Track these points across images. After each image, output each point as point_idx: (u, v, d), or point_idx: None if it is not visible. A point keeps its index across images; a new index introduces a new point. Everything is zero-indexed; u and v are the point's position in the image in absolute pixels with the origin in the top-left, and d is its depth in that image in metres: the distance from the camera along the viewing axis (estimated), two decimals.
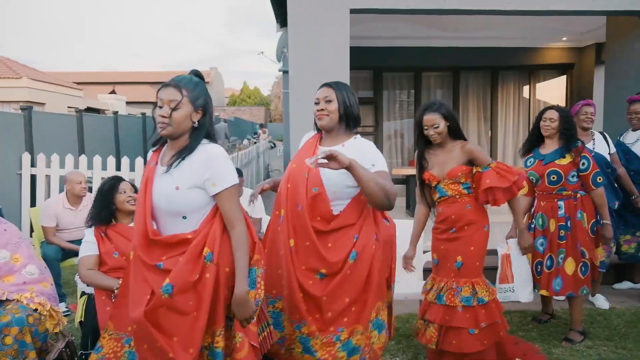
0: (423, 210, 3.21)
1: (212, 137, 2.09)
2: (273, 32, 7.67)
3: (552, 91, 8.84)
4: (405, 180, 7.51)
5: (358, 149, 2.33)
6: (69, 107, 18.08)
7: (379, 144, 8.68)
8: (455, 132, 3.00)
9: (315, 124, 2.51)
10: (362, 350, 2.31)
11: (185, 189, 1.99)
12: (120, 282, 2.89)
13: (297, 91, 4.98)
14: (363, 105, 8.68)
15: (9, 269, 2.93)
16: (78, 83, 24.01)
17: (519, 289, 3.43)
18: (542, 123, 3.59)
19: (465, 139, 3.03)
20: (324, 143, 2.43)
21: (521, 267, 3.44)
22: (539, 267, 3.60)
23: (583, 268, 3.49)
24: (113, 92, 27.50)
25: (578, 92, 8.53)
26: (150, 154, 2.21)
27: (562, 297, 3.66)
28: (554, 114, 3.55)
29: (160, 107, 1.99)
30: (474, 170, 2.97)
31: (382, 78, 8.64)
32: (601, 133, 4.23)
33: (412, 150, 8.71)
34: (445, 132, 2.97)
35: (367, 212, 2.37)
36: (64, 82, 20.82)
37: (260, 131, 20.53)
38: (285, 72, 8.37)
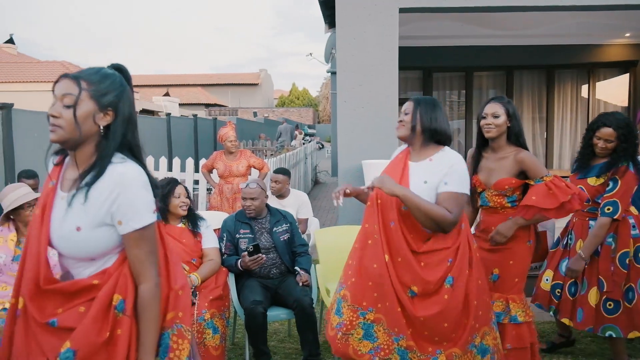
0: (470, 214, 2.96)
1: (134, 150, 1.56)
2: (321, 34, 7.69)
3: (614, 90, 8.41)
4: None
5: (443, 163, 2.30)
6: None
7: None
8: (516, 138, 2.73)
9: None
10: None
11: (89, 229, 1.49)
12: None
13: (345, 92, 4.95)
14: None
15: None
16: (134, 86, 24.86)
17: None
18: (595, 141, 3.03)
19: (525, 147, 2.74)
20: (412, 157, 2.41)
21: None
22: (558, 290, 3.18)
23: (612, 304, 2.99)
24: (167, 94, 28.35)
25: None
26: (50, 167, 1.67)
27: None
28: (610, 133, 2.95)
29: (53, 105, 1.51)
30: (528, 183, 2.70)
31: (432, 78, 8.48)
32: None
33: (464, 152, 8.50)
34: (503, 129, 2.71)
35: (463, 234, 2.33)
36: None
37: (296, 132, 20.68)
38: (334, 73, 8.37)
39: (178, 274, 1.66)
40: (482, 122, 2.75)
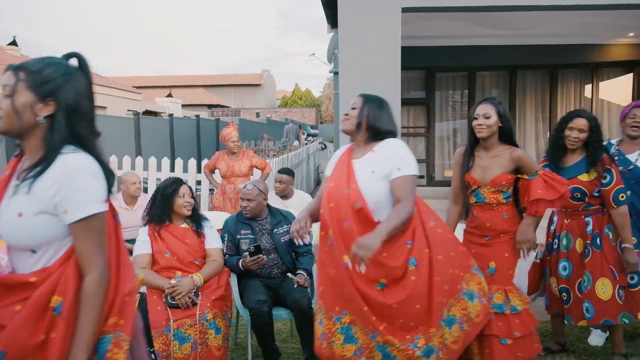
0: (457, 212, 3.03)
1: (84, 141, 1.51)
2: (324, 34, 7.67)
3: (617, 90, 8.39)
4: None
5: (387, 152, 2.36)
6: (128, 110, 18.78)
7: (430, 145, 8.51)
8: (507, 137, 2.82)
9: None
10: (437, 348, 2.31)
11: (30, 215, 1.44)
12: (171, 282, 2.96)
13: (347, 92, 4.94)
14: (415, 106, 8.55)
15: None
16: (137, 87, 24.95)
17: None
18: (568, 132, 3.10)
19: (517, 145, 2.84)
20: (355, 154, 2.46)
21: (521, 271, 3.13)
22: (564, 295, 3.17)
23: (620, 292, 3.05)
24: (170, 95, 28.41)
25: None
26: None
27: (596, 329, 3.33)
28: (583, 123, 3.08)
29: None
30: (520, 178, 2.81)
31: (434, 78, 8.46)
32: None
33: None
34: (495, 129, 2.79)
35: (416, 216, 2.37)
36: (124, 86, 21.68)
37: (299, 132, 20.75)
38: (336, 73, 8.36)
39: (128, 278, 1.56)
40: (474, 122, 2.83)
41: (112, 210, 1.60)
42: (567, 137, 3.11)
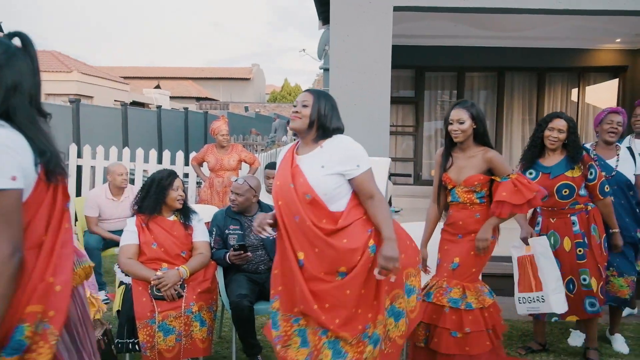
0: (436, 211, 3.13)
1: (19, 119, 1.47)
2: (315, 30, 7.67)
3: (603, 94, 8.50)
4: None
5: (338, 148, 2.31)
6: (115, 100, 18.63)
7: (418, 144, 8.56)
8: (481, 138, 2.92)
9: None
10: (382, 338, 2.30)
11: None
12: (157, 274, 2.96)
13: (337, 89, 4.95)
14: (404, 105, 8.59)
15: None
16: (125, 77, 24.71)
17: (551, 297, 3.05)
18: (547, 133, 3.26)
19: (490, 146, 2.94)
20: (301, 151, 2.40)
21: (550, 272, 3.09)
22: None
23: (602, 287, 3.28)
24: (158, 86, 28.17)
25: (631, 96, 8.16)
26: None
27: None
28: (562, 124, 3.23)
29: None
30: (494, 180, 2.89)
31: (424, 77, 8.50)
32: (629, 149, 3.63)
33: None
34: (469, 132, 2.89)
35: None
36: (111, 76, 21.47)
37: (287, 127, 20.73)
38: (326, 69, 8.36)
39: (62, 269, 1.49)
40: (450, 127, 2.91)
41: (64, 195, 1.55)
42: (547, 137, 3.25)
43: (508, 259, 3.40)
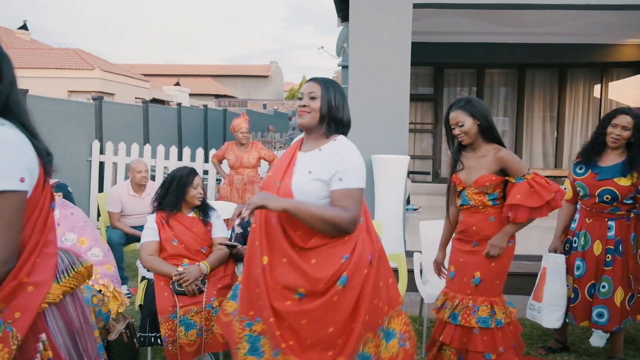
0: (454, 213, 2.92)
1: (14, 112, 1.40)
2: (332, 27, 7.68)
3: (627, 90, 8.35)
4: None
5: (333, 154, 2.03)
6: (136, 97, 18.86)
7: (437, 141, 8.52)
8: (489, 133, 2.68)
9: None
10: None
11: None
12: (179, 270, 3.01)
13: (356, 86, 4.96)
14: (423, 102, 8.55)
15: (76, 251, 3.09)
16: (145, 75, 25.00)
17: (544, 312, 3.10)
18: (610, 129, 3.00)
19: (501, 142, 2.72)
20: (304, 147, 2.14)
21: (554, 289, 3.08)
22: (573, 294, 3.16)
23: (630, 298, 3.08)
24: (177, 84, 28.43)
25: None
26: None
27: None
28: (627, 121, 2.95)
29: None
30: (508, 181, 2.68)
31: (443, 75, 8.46)
32: None
33: None
34: (474, 131, 2.66)
35: (360, 226, 2.05)
36: (132, 73, 21.73)
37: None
38: (345, 67, 8.36)
39: (40, 269, 1.40)
40: (454, 132, 2.72)
41: (50, 195, 1.48)
42: (610, 135, 2.99)
43: (530, 258, 3.39)
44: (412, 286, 3.65)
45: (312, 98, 2.08)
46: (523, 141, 8.50)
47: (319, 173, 2.00)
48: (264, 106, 28.88)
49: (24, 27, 24.02)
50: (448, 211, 2.95)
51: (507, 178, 2.67)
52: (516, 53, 8.02)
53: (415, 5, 4.87)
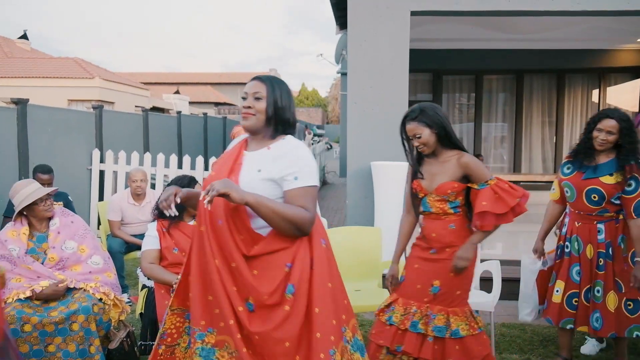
0: (410, 221, 2.80)
1: None
2: (331, 34, 7.72)
3: (625, 95, 8.39)
4: None
5: (284, 153, 1.93)
6: (136, 106, 18.89)
7: None
8: (447, 140, 2.58)
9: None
10: None
11: None
12: (179, 277, 3.01)
13: (355, 93, 4.99)
14: None
15: (76, 259, 3.10)
16: (145, 83, 25.06)
17: (520, 305, 3.27)
18: (596, 133, 2.94)
19: (463, 148, 2.62)
20: (250, 147, 2.03)
21: (526, 288, 3.23)
22: (575, 300, 3.05)
23: (631, 304, 2.94)
24: (177, 92, 28.50)
25: None
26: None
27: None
28: (612, 125, 2.89)
29: None
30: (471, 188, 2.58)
31: (441, 81, 8.49)
32: None
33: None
34: (432, 141, 2.57)
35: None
36: (132, 82, 21.79)
37: (305, 132, 20.82)
38: (344, 74, 8.41)
39: None
40: (413, 143, 2.62)
41: None
42: (595, 139, 2.95)
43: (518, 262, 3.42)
44: None
45: (257, 99, 1.96)
46: (522, 146, 8.52)
47: (270, 172, 1.90)
48: None
49: (24, 36, 24.11)
50: (407, 218, 2.82)
51: (469, 185, 2.58)
52: (514, 59, 8.05)
53: (413, 13, 4.91)
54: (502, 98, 8.63)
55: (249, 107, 1.96)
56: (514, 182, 8.08)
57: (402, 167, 4.78)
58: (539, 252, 3.23)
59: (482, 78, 8.47)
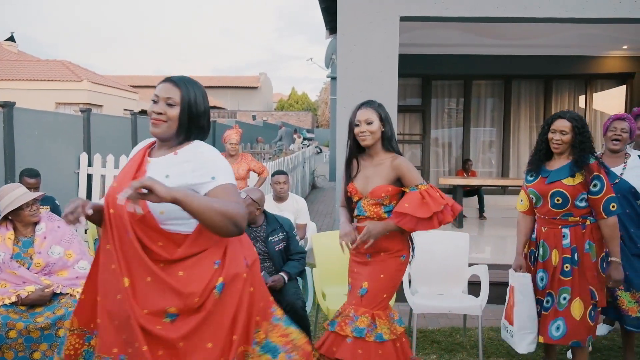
0: (346, 213, 2.76)
1: None
2: (322, 38, 7.75)
3: (611, 101, 8.50)
4: (452, 190, 7.38)
5: (194, 156, 1.80)
6: (125, 109, 18.80)
7: (426, 152, 8.58)
8: (389, 142, 2.61)
9: None
10: None
11: None
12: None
13: (345, 97, 5.00)
14: (411, 113, 8.62)
15: (63, 264, 3.07)
16: (134, 86, 24.93)
17: (517, 336, 2.98)
18: (550, 135, 2.94)
19: (399, 152, 2.63)
20: (155, 153, 1.88)
21: (523, 310, 2.96)
22: (537, 307, 3.01)
23: (592, 312, 2.88)
24: None
25: (639, 102, 8.16)
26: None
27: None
28: (565, 125, 2.88)
29: None
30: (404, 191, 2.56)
31: (430, 86, 8.54)
32: None
33: (460, 160, 8.56)
34: (378, 136, 2.58)
35: None
36: (120, 85, 21.68)
37: (294, 136, 20.84)
38: (334, 78, 8.43)
39: None
40: (356, 130, 2.59)
41: None
42: (550, 141, 2.95)
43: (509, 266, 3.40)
44: (400, 296, 3.65)
45: (170, 105, 1.79)
46: (510, 151, 8.58)
47: (180, 176, 1.76)
48: (254, 117, 28.92)
49: (11, 38, 23.91)
50: (343, 211, 2.80)
51: (403, 189, 2.57)
52: (502, 65, 8.12)
53: (402, 18, 4.93)
54: (491, 103, 8.70)
55: (160, 114, 1.79)
56: (503, 186, 8.16)
57: None
58: (523, 267, 3.11)
59: (470, 83, 8.53)
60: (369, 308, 2.52)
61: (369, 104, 2.64)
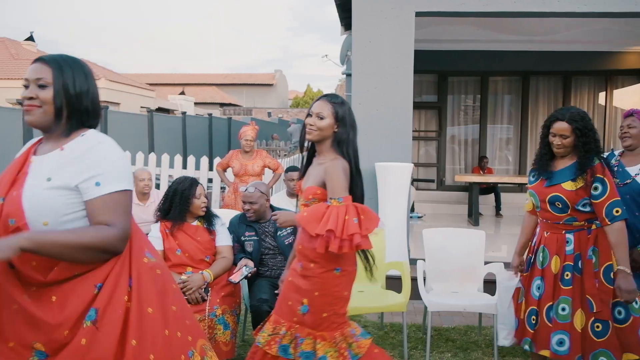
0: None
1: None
2: (336, 35, 7.74)
3: (632, 98, 8.33)
4: (468, 188, 7.33)
5: (81, 153, 1.55)
6: (141, 107, 18.96)
7: (442, 149, 8.52)
8: (339, 146, 2.29)
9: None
10: None
11: None
12: (182, 278, 3.01)
13: (360, 94, 4.98)
14: (426, 110, 8.56)
15: None
16: (150, 84, 25.15)
17: (498, 328, 2.98)
18: (551, 138, 2.72)
19: (350, 159, 2.30)
20: (40, 150, 1.63)
21: (503, 307, 2.93)
22: (533, 317, 2.72)
23: (600, 326, 2.58)
24: (182, 93, 28.59)
25: None
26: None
27: None
28: (564, 128, 2.64)
29: None
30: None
31: (447, 82, 8.47)
32: None
33: (476, 157, 8.48)
34: (326, 134, 2.28)
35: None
36: (137, 83, 21.87)
37: None
38: (349, 75, 8.40)
39: None
40: (306, 120, 2.33)
41: None
42: (552, 144, 2.74)
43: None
44: (415, 294, 3.63)
45: (41, 86, 1.56)
46: (527, 149, 8.49)
47: (64, 178, 1.51)
48: (269, 114, 29.00)
49: (31, 38, 24.24)
50: None
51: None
52: (520, 61, 8.03)
53: (418, 14, 4.90)
54: (508, 100, 8.61)
55: (32, 98, 1.56)
56: (520, 184, 8.04)
57: (407, 168, 4.77)
58: (522, 267, 2.94)
59: (487, 79, 8.45)
60: (312, 329, 2.27)
61: (329, 97, 2.34)
